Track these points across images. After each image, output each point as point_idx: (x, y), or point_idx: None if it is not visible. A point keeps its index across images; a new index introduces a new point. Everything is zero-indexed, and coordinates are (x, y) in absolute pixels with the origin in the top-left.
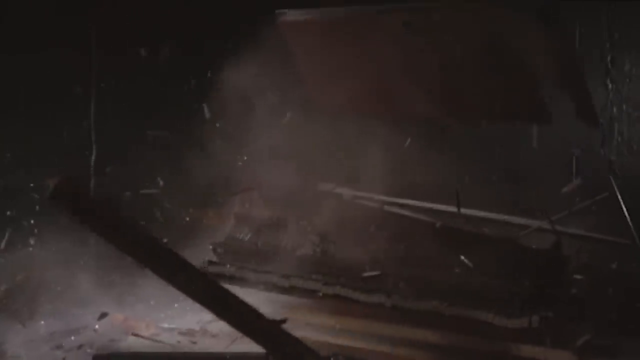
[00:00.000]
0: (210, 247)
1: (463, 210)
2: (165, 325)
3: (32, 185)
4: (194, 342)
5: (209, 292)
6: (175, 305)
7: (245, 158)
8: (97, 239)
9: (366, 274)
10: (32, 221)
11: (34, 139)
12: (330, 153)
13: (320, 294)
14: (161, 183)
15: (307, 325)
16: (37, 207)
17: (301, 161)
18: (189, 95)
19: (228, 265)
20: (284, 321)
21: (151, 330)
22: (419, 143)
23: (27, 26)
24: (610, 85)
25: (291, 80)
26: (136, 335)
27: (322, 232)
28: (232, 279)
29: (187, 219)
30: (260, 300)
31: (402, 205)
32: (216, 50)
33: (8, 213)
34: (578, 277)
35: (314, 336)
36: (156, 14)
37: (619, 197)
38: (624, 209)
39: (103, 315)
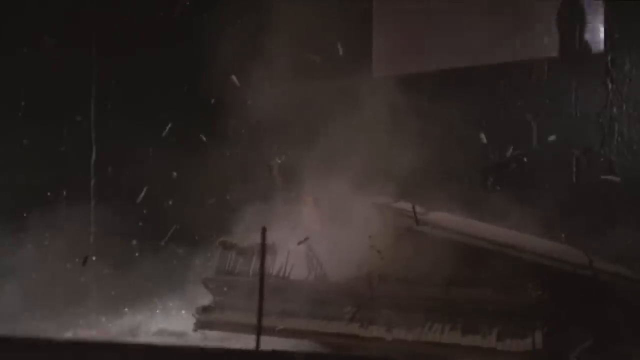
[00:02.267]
0: (202, 283)
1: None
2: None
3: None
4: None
5: None
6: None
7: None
8: None
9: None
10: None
11: (34, 139)
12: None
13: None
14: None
15: None
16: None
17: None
18: (190, 94)
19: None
20: None
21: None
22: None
23: (27, 27)
24: (610, 85)
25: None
26: None
27: (320, 254)
28: (227, 325)
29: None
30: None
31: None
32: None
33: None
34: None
35: None
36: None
37: None
38: None
39: None
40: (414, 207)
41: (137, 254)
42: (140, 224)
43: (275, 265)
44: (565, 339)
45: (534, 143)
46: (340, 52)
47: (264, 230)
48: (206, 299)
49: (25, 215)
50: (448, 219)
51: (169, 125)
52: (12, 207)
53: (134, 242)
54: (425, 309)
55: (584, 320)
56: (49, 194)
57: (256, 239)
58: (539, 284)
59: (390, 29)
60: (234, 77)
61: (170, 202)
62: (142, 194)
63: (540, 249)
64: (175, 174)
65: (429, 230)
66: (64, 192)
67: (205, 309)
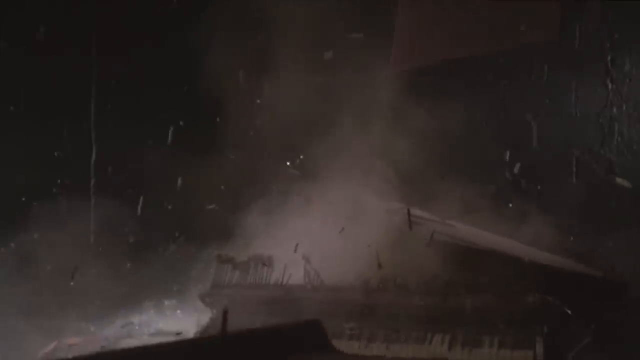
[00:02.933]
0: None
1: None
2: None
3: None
4: None
5: None
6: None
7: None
8: None
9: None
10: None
11: (34, 139)
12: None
13: None
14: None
15: None
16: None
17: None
18: (190, 94)
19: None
20: None
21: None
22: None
23: (27, 27)
24: (610, 85)
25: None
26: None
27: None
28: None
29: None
30: None
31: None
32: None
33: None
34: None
35: None
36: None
37: None
38: None
39: None
40: (408, 211)
41: (138, 254)
42: (141, 224)
43: (272, 276)
44: (566, 346)
45: (534, 143)
46: (357, 47)
47: (224, 314)
48: None
49: (24, 215)
50: (459, 228)
51: (171, 129)
52: (11, 207)
53: (133, 241)
54: (426, 318)
55: (584, 323)
56: (48, 194)
57: (254, 250)
58: (539, 289)
59: (413, 22)
60: (240, 75)
61: (170, 207)
62: (142, 197)
63: (543, 259)
64: (176, 175)
65: (428, 234)
66: (64, 192)
67: (203, 330)
